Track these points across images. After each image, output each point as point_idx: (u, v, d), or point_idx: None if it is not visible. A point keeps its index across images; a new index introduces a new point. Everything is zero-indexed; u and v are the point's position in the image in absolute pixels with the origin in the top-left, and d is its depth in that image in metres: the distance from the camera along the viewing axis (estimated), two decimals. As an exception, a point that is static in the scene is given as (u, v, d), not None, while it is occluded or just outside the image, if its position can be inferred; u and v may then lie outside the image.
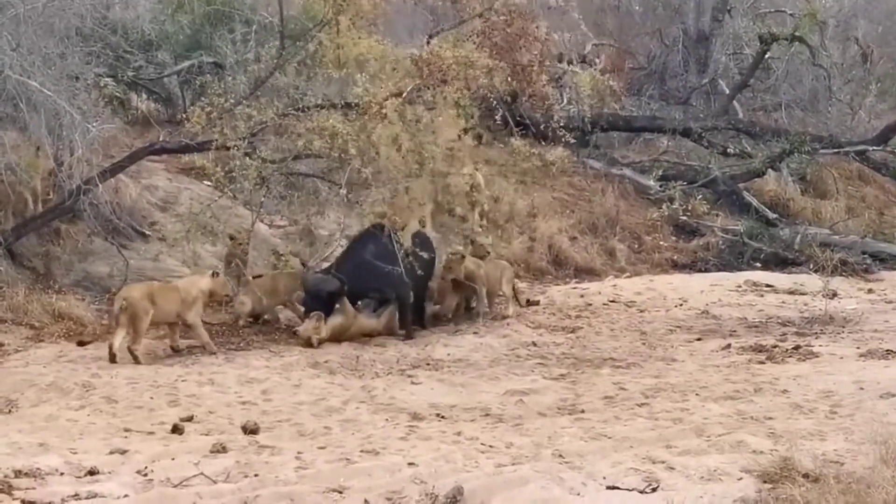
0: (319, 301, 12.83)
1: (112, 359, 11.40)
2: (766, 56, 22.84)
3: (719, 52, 24.48)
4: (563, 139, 14.41)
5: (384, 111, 12.42)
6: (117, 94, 15.54)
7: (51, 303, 12.99)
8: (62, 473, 7.82)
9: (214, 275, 12.45)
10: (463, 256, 13.73)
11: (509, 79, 14.06)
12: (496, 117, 14.69)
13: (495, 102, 14.20)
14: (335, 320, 12.70)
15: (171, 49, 18.11)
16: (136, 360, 11.43)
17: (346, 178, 12.88)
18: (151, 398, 10.08)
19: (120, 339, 11.53)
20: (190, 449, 8.52)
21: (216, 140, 13.09)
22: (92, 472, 7.81)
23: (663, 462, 8.13)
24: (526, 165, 14.05)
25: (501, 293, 14.29)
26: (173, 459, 8.23)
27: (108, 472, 7.87)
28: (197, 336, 12.15)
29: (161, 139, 14.73)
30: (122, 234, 14.63)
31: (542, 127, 15.13)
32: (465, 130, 13.07)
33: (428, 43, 13.94)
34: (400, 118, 12.58)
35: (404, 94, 12.85)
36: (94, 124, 12.86)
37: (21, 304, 12.92)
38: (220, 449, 8.47)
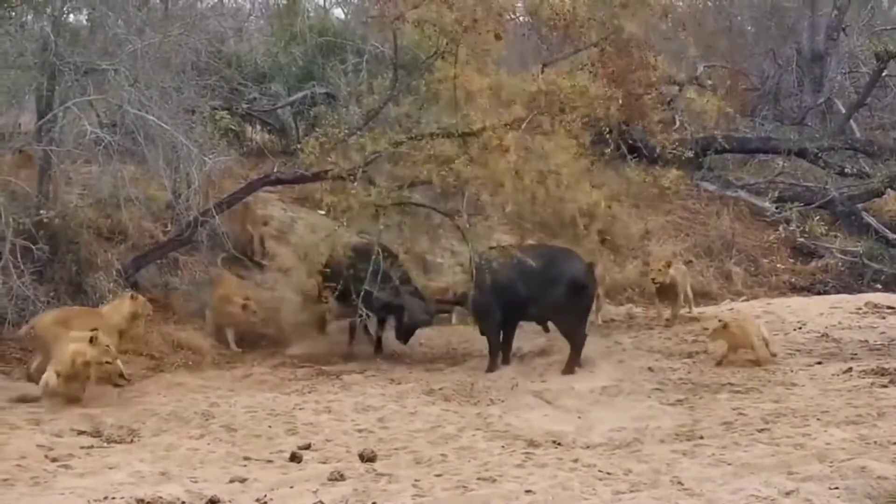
0: None
1: (28, 378, 11.45)
2: (883, 74, 22.43)
3: (834, 70, 24.14)
4: (675, 164, 14.23)
5: (505, 144, 12.38)
6: (232, 126, 15.82)
7: (170, 333, 13.22)
8: (183, 502, 7.90)
9: (133, 297, 12.22)
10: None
11: (622, 108, 13.91)
12: (608, 141, 14.54)
13: (608, 129, 14.06)
14: None
15: (284, 81, 18.39)
16: (33, 380, 11.27)
17: (464, 205, 12.95)
18: (270, 427, 10.16)
19: (37, 362, 11.50)
20: (308, 477, 8.57)
21: (331, 170, 13.21)
22: (213, 501, 7.88)
23: (785, 489, 7.99)
24: (640, 190, 13.94)
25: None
26: (292, 487, 8.28)
27: (228, 501, 7.93)
28: None
29: (276, 170, 14.93)
30: (240, 263, 14.84)
31: (654, 152, 15.00)
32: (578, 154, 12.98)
33: (542, 71, 13.84)
34: (519, 148, 12.53)
35: (523, 126, 12.82)
36: (210, 156, 13.07)
37: (141, 334, 13.14)
38: (338, 477, 8.51)
